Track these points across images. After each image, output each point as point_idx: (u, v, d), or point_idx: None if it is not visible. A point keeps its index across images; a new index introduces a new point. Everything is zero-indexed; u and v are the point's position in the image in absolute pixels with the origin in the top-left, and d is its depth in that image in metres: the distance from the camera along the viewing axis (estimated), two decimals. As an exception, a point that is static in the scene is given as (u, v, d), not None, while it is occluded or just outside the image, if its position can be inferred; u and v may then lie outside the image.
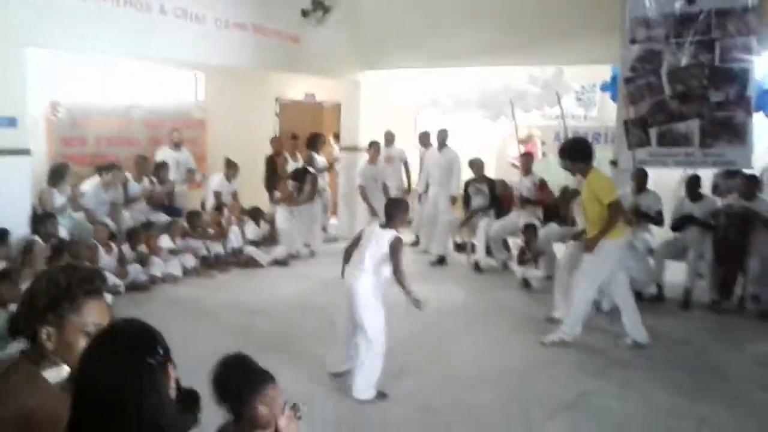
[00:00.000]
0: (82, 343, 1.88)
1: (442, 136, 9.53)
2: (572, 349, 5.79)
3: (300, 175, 9.32)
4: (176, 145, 9.33)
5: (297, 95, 12.13)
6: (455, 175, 9.44)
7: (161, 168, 8.76)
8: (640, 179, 7.68)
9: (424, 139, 10.08)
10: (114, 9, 7.05)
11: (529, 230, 8.17)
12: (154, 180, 8.63)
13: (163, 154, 9.22)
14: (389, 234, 4.62)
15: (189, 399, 2.61)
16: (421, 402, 4.56)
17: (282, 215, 9.15)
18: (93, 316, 1.92)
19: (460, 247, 9.83)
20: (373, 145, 9.24)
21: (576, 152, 5.80)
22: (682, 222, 7.47)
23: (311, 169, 9.51)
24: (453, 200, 9.48)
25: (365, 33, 10.12)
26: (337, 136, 11.45)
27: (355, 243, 4.81)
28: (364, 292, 4.59)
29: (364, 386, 4.61)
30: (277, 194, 9.28)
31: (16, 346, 3.10)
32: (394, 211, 4.77)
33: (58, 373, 1.89)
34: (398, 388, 4.75)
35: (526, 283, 7.88)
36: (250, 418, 2.47)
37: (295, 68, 9.71)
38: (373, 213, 8.98)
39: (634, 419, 4.38)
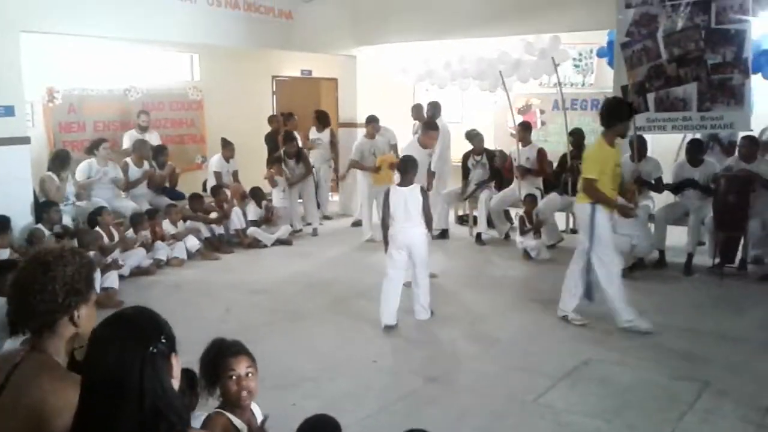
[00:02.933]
0: (95, 314, 2.05)
1: (434, 109, 9.50)
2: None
3: (291, 145, 9.39)
4: (142, 129, 9.05)
5: (293, 72, 12.08)
6: (443, 150, 9.44)
7: (160, 152, 8.76)
8: (639, 146, 7.65)
9: (417, 111, 9.99)
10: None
11: (528, 201, 8.19)
12: (154, 164, 8.64)
13: (129, 138, 8.95)
14: (416, 188, 5.66)
15: (189, 380, 2.70)
16: (428, 374, 4.61)
17: (277, 194, 9.23)
18: (96, 287, 2.04)
19: (462, 220, 9.86)
20: (371, 121, 9.16)
21: None
22: (682, 185, 7.47)
23: (299, 145, 9.65)
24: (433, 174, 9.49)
25: (359, 7, 10.06)
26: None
27: (387, 210, 5.68)
28: (422, 240, 5.67)
29: (424, 309, 5.75)
30: (271, 172, 9.29)
31: (11, 343, 3.15)
32: (408, 167, 5.79)
33: None
34: (404, 362, 4.81)
35: (527, 254, 7.91)
36: (222, 394, 2.56)
37: (290, 45, 9.67)
38: (375, 170, 8.77)
39: (635, 385, 4.43)
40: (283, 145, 9.56)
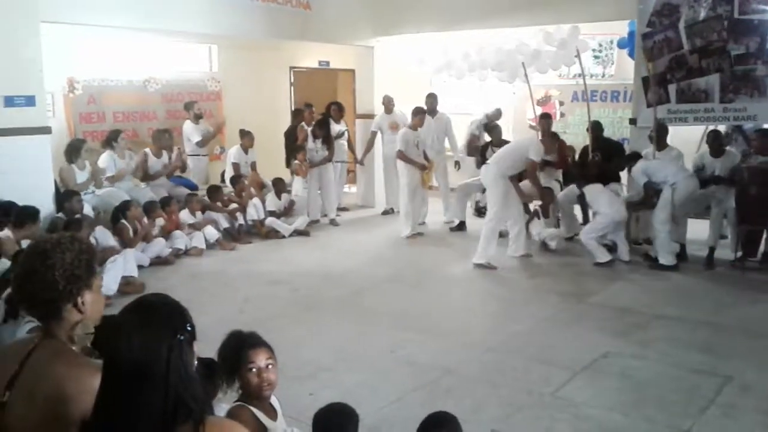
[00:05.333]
0: (102, 300, 2.07)
1: (432, 101, 9.49)
2: (592, 309, 5.82)
3: (323, 126, 9.46)
4: (197, 118, 9.39)
5: (311, 63, 12.07)
6: (451, 139, 9.62)
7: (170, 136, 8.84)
8: (660, 135, 7.55)
9: (387, 103, 9.96)
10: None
11: (545, 194, 8.14)
12: (173, 154, 8.70)
13: (189, 128, 9.34)
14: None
15: (209, 369, 2.71)
16: (445, 365, 4.60)
17: (299, 183, 9.22)
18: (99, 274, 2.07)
19: (480, 212, 9.81)
20: (419, 112, 9.03)
21: None
22: (707, 182, 7.33)
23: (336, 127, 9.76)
24: (456, 164, 9.53)
25: (377, -2, 10.02)
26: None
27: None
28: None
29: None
30: (296, 163, 9.27)
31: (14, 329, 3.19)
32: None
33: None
34: (421, 353, 4.81)
35: (545, 246, 7.87)
36: (242, 386, 2.55)
37: (307, 36, 9.65)
38: (423, 168, 8.78)
39: (655, 378, 4.39)
40: (316, 126, 9.53)
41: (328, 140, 9.48)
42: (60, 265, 1.93)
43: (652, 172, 7.04)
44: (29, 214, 5.94)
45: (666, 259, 6.94)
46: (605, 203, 7.25)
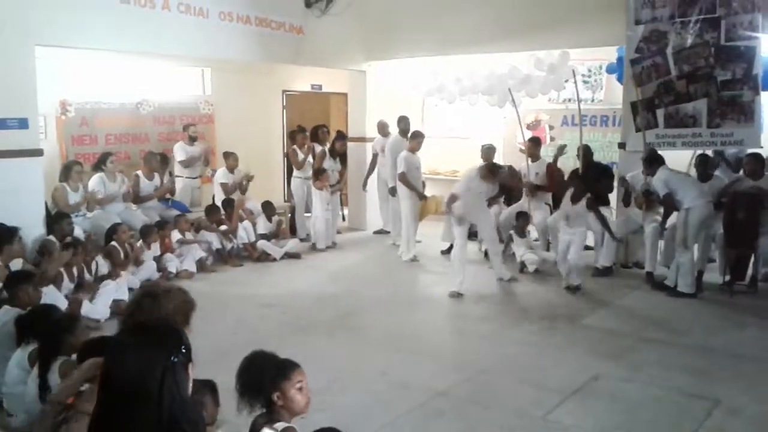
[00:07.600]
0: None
1: (405, 124, 9.59)
2: (583, 332, 5.84)
3: (342, 138, 9.81)
4: (192, 140, 9.39)
5: (304, 87, 12.15)
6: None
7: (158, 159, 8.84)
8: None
9: (382, 128, 10.06)
10: (119, 6, 7.13)
11: (521, 217, 8.32)
12: (167, 177, 8.71)
13: (180, 149, 9.31)
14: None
15: (208, 390, 2.70)
16: (437, 387, 4.60)
17: (321, 206, 9.21)
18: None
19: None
20: (418, 136, 9.08)
21: None
22: None
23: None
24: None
25: (369, 23, 10.11)
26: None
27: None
28: None
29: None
30: (318, 183, 9.26)
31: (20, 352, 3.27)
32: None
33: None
34: (413, 375, 4.80)
35: (523, 266, 7.93)
36: (285, 406, 2.53)
37: (300, 60, 9.72)
38: (422, 197, 8.81)
39: (645, 402, 4.41)
40: (333, 143, 9.72)
41: (344, 158, 9.61)
42: (163, 311, 2.20)
43: (673, 187, 6.90)
44: (3, 235, 5.86)
45: (687, 287, 6.85)
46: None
